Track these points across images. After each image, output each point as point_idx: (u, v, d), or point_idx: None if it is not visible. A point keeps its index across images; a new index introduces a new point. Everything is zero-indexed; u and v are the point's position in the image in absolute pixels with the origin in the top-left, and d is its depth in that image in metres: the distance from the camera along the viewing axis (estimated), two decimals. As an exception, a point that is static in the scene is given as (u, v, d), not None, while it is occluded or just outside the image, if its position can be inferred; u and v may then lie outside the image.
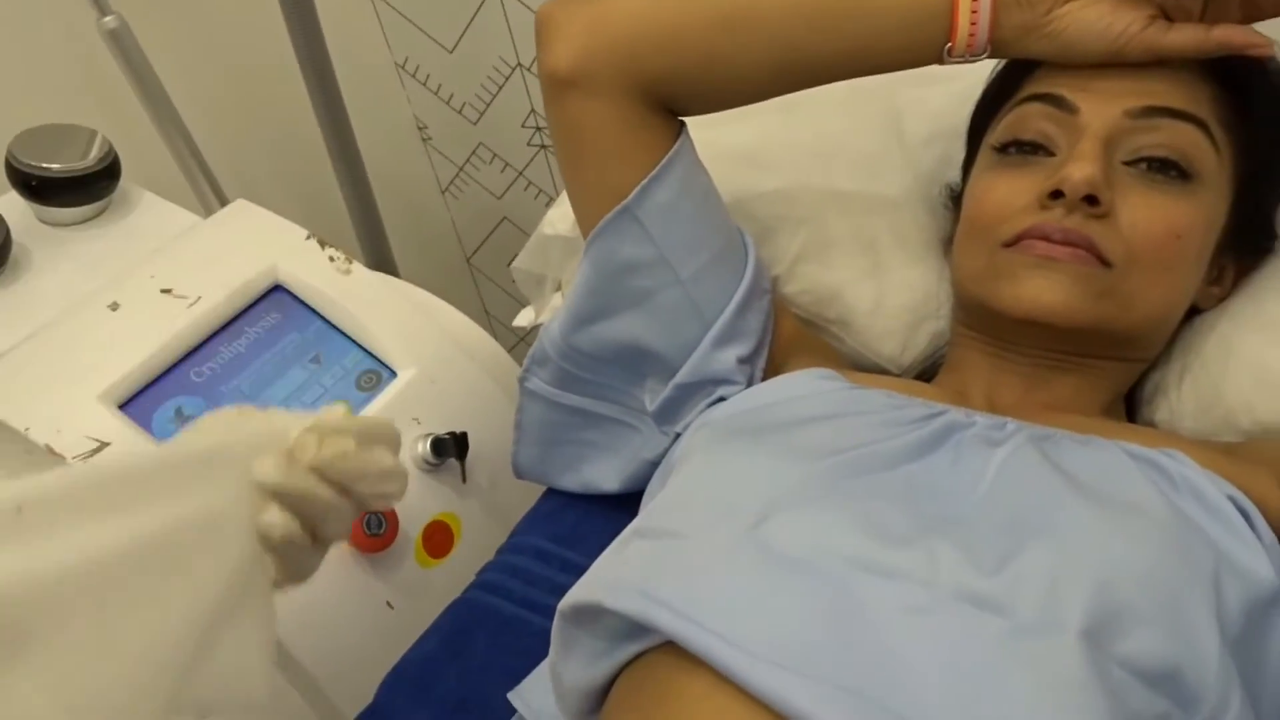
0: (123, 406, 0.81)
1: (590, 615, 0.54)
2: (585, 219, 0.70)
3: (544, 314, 0.94)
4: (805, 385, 0.64)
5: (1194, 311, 0.68)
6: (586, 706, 0.57)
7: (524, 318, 0.96)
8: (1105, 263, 0.60)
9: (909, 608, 0.46)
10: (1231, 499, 0.51)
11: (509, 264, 1.63)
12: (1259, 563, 0.48)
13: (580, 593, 0.55)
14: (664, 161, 0.66)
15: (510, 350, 1.05)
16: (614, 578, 0.53)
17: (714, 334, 0.68)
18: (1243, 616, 0.46)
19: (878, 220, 0.79)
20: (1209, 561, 0.47)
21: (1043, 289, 0.60)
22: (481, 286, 1.70)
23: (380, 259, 1.36)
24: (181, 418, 0.83)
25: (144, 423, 0.81)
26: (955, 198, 0.77)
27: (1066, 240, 0.59)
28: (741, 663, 0.44)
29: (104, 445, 0.78)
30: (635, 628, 0.50)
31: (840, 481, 0.53)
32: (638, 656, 0.52)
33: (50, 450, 0.77)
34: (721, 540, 0.51)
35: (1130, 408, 0.70)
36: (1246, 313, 0.65)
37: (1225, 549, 0.48)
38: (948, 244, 0.77)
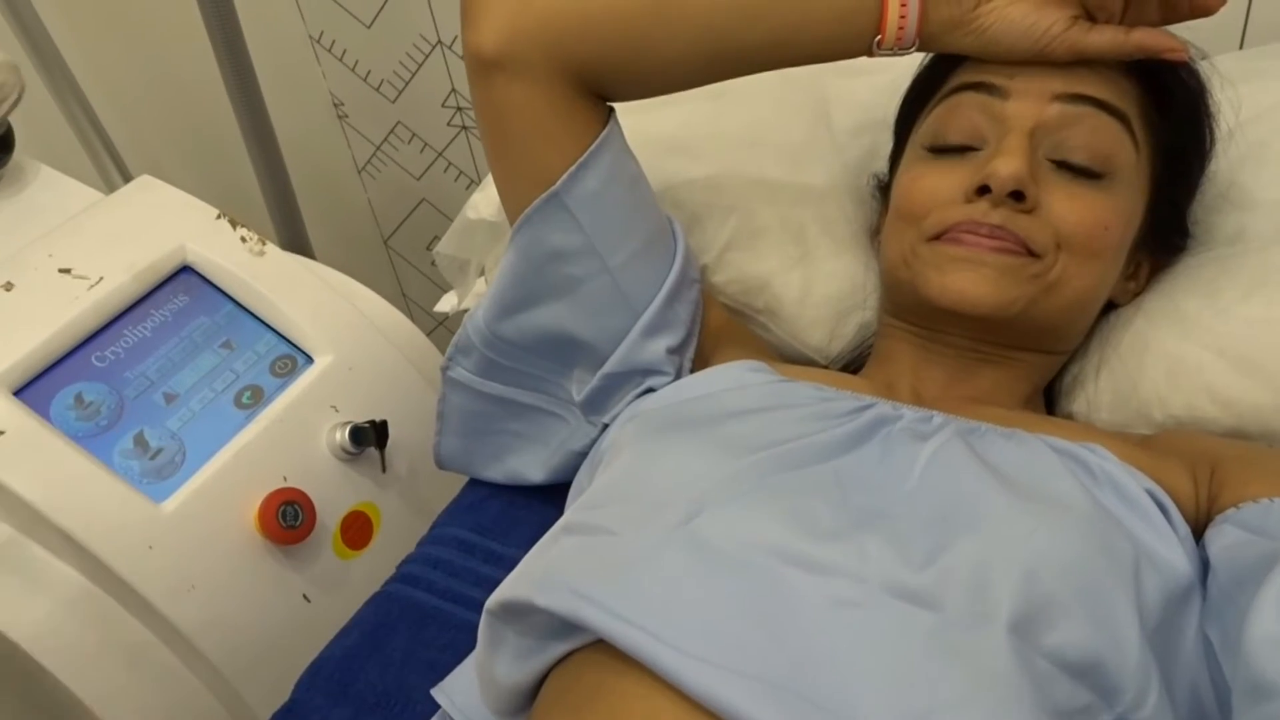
0: (18, 393, 0.77)
1: (519, 613, 0.53)
2: (511, 205, 0.68)
3: (467, 300, 0.92)
4: (734, 378, 0.64)
5: (1110, 307, 0.69)
6: (515, 705, 0.56)
7: (446, 303, 0.94)
8: (1033, 253, 0.60)
9: (839, 602, 0.46)
10: (1149, 493, 0.52)
11: (428, 247, 1.60)
12: (1175, 555, 0.49)
13: (509, 590, 0.53)
14: (593, 147, 0.65)
15: (429, 335, 1.03)
16: (543, 575, 0.52)
17: (643, 324, 0.68)
18: (1160, 608, 0.47)
19: (805, 210, 0.79)
20: (1129, 554, 0.48)
21: (970, 282, 0.60)
22: (399, 269, 1.66)
23: (295, 240, 1.32)
24: (83, 404, 0.79)
25: (41, 410, 0.77)
26: (882, 188, 0.77)
27: (993, 235, 0.60)
28: (673, 661, 0.44)
29: (-2, 434, 0.74)
30: (565, 626, 0.50)
31: (770, 476, 0.52)
32: (568, 654, 0.51)
33: (-62, 440, 0.73)
34: (652, 537, 0.50)
35: (1049, 399, 0.71)
36: (1160, 308, 0.67)
37: (1144, 542, 0.49)
38: (874, 234, 0.78)
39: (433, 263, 1.63)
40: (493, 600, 0.55)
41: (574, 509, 0.57)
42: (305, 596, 0.82)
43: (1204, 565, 0.52)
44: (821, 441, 0.55)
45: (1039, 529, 0.47)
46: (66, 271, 0.83)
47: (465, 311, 0.93)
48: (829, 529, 0.49)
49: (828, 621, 0.45)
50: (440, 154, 1.44)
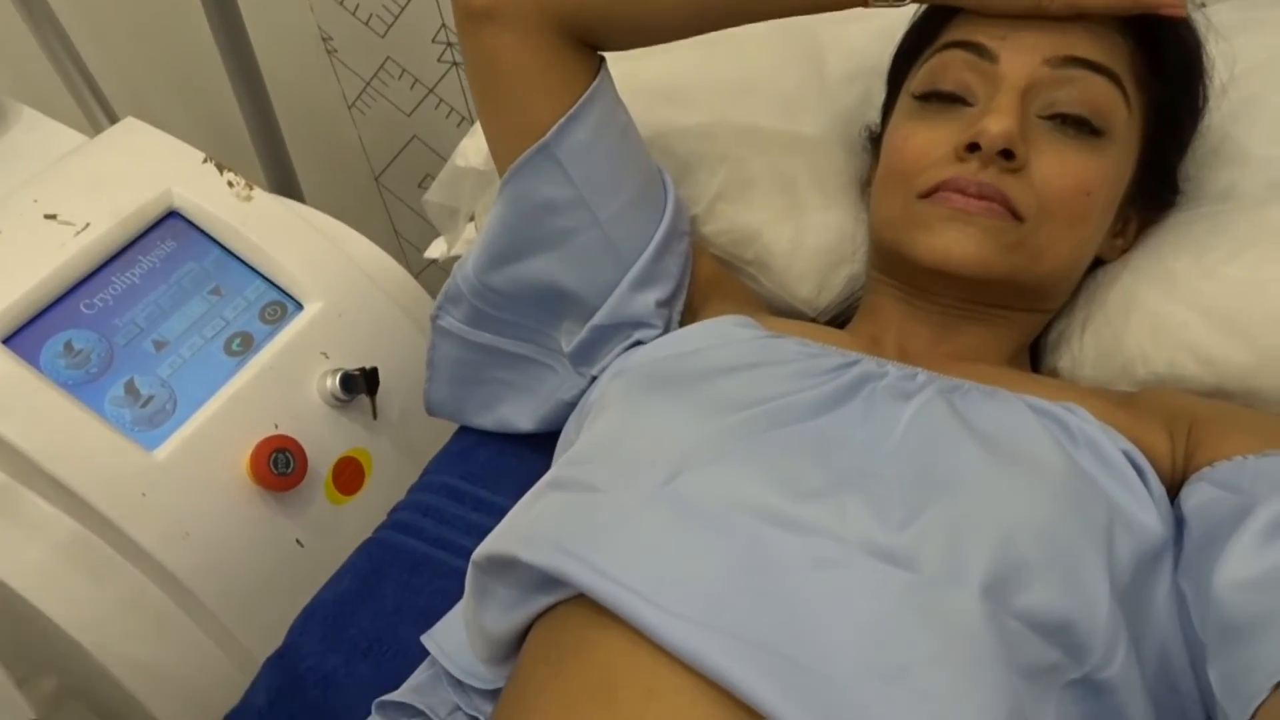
0: (7, 341, 0.77)
1: (504, 566, 0.54)
2: (501, 156, 0.68)
3: (457, 246, 0.91)
4: (720, 333, 0.64)
5: (1097, 263, 0.69)
6: (501, 654, 0.58)
7: (436, 249, 0.94)
8: (1017, 216, 0.60)
9: (818, 561, 0.47)
10: (1126, 454, 0.53)
11: (419, 184, 1.59)
12: (1149, 516, 0.50)
13: (494, 544, 0.54)
14: (583, 99, 0.64)
15: (419, 274, 1.02)
16: (528, 530, 0.53)
17: (632, 277, 0.68)
18: (1131, 568, 0.48)
19: (796, 160, 0.78)
20: (1103, 515, 0.49)
21: (955, 241, 0.60)
22: (391, 207, 1.65)
23: (283, 178, 1.30)
24: (72, 352, 0.79)
25: (31, 358, 0.77)
26: (874, 139, 0.77)
27: (981, 194, 0.60)
28: (653, 617, 0.45)
29: (-12, 382, 0.74)
30: (549, 580, 0.51)
31: (753, 435, 0.53)
32: (553, 606, 0.52)
33: (-72, 388, 0.73)
34: (636, 495, 0.51)
35: (1034, 355, 0.72)
36: (1147, 266, 0.67)
37: (1118, 502, 0.50)
38: (865, 186, 0.77)
39: (425, 200, 1.62)
40: (478, 553, 0.56)
41: (560, 464, 0.58)
42: (298, 541, 0.83)
43: (1178, 524, 0.53)
44: (805, 400, 0.56)
45: (1016, 493, 0.48)
46: (52, 217, 0.83)
47: (456, 258, 0.92)
48: (810, 489, 0.50)
49: (807, 580, 0.46)
50: (431, 90, 1.41)
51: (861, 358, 0.61)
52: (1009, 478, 0.49)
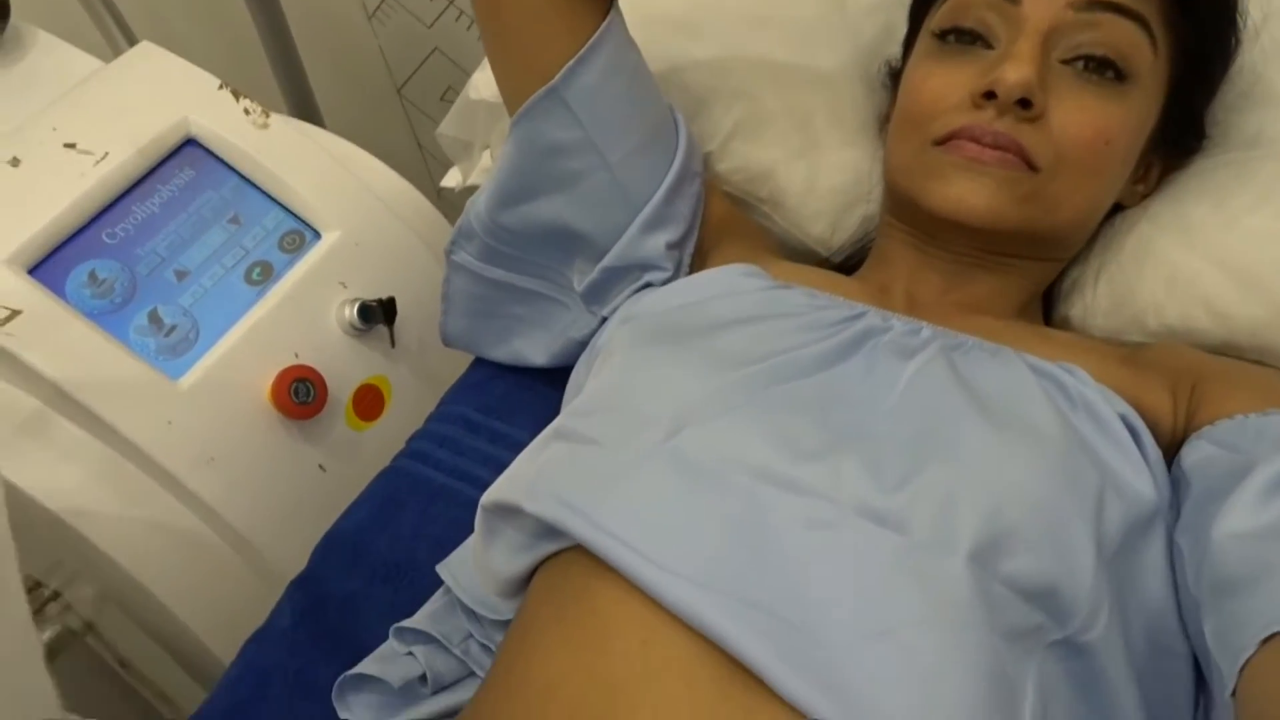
0: (32, 271, 0.78)
1: (511, 512, 0.55)
2: (510, 97, 0.67)
3: (472, 175, 0.91)
4: (728, 283, 0.64)
5: (1116, 208, 0.68)
6: (510, 590, 0.60)
7: (451, 179, 0.93)
8: (1033, 167, 0.60)
9: (812, 522, 0.48)
10: (1123, 417, 0.53)
11: (442, 97, 1.57)
12: (1142, 481, 0.51)
13: (501, 492, 0.56)
14: (593, 40, 0.63)
15: (441, 193, 1.01)
16: (533, 480, 0.54)
17: (642, 220, 0.68)
18: (1121, 535, 0.49)
19: (814, 96, 0.77)
20: (1094, 482, 0.49)
21: (968, 191, 0.60)
22: (414, 119, 1.64)
23: (301, 93, 1.29)
24: (96, 282, 0.81)
25: (56, 288, 0.79)
26: (894, 75, 0.75)
27: (996, 144, 0.59)
28: (650, 574, 0.47)
29: (15, 313, 0.76)
30: (553, 529, 0.52)
31: (755, 392, 0.54)
32: (557, 553, 0.54)
33: (-41, 319, 0.75)
34: (636, 450, 0.52)
35: (1047, 302, 0.71)
36: (1167, 215, 0.66)
37: (1111, 468, 0.51)
38: (883, 123, 0.76)
39: (443, 97, 1.60)
40: (486, 498, 0.58)
41: (566, 414, 0.59)
42: (321, 466, 0.86)
43: (1176, 483, 0.54)
44: (808, 355, 0.56)
45: (1008, 461, 0.49)
46: (71, 146, 0.83)
47: (472, 188, 0.92)
48: (808, 449, 0.51)
49: (800, 541, 0.47)
50: (451, 1, 1.39)
51: (867, 310, 0.61)
52: (1003, 444, 0.50)
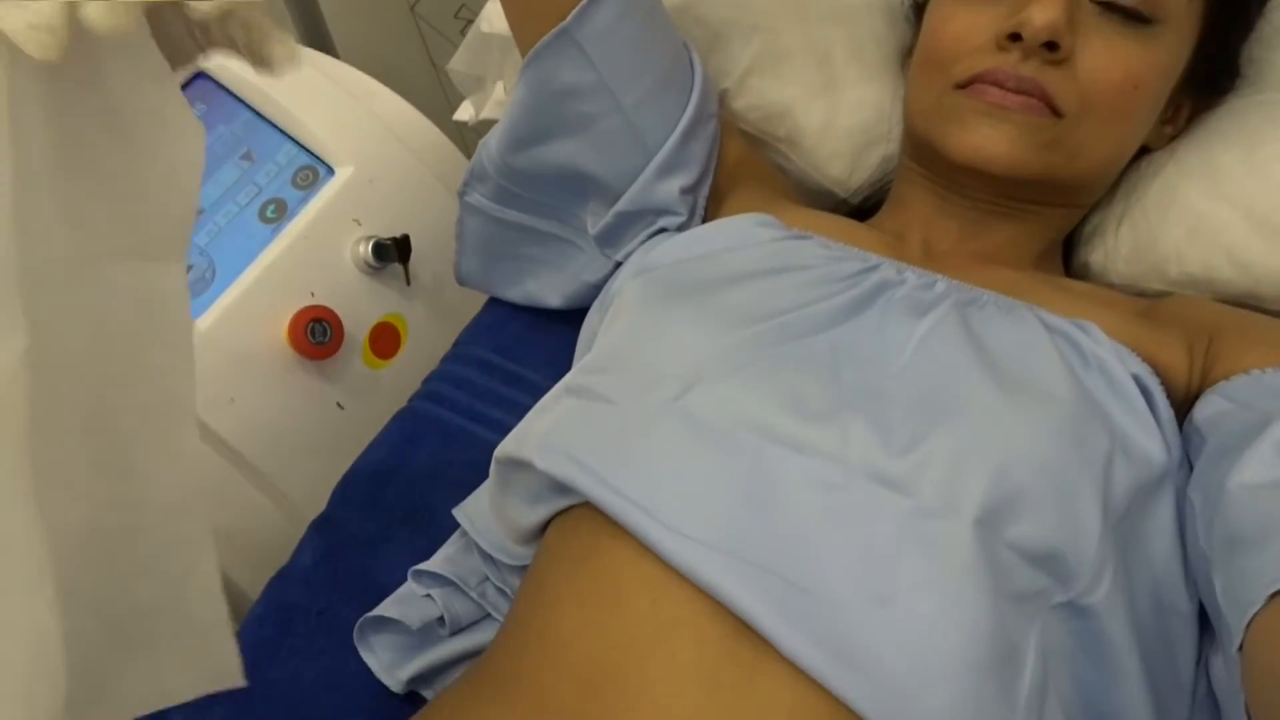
0: (48, 213, 0.78)
1: (524, 466, 0.56)
2: (522, 38, 0.66)
3: (486, 109, 0.90)
4: (741, 234, 0.63)
5: (1143, 150, 0.66)
6: (525, 538, 0.61)
7: (464, 113, 0.92)
8: (1057, 112, 0.58)
9: (820, 483, 0.48)
10: (1136, 377, 0.53)
11: (455, 14, 1.53)
12: (1152, 443, 0.50)
13: (514, 447, 0.57)
14: None
15: (457, 123, 0.99)
16: (544, 437, 0.55)
17: (656, 164, 0.66)
18: (1128, 498, 0.49)
19: (834, 29, 0.75)
20: (1103, 445, 0.49)
21: (989, 138, 0.58)
22: (428, 38, 1.60)
23: (310, 16, 1.26)
24: (112, 222, 0.81)
25: (73, 230, 0.79)
26: (917, 7, 0.72)
27: (1019, 89, 0.57)
28: (658, 534, 0.47)
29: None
30: (565, 485, 0.53)
31: (766, 349, 0.54)
32: (570, 506, 0.55)
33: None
34: (647, 409, 0.52)
35: (1069, 246, 0.70)
36: (1193, 160, 0.64)
37: (1122, 429, 0.50)
38: (906, 57, 0.74)
39: (462, 31, 1.56)
40: (500, 451, 0.58)
41: (578, 369, 0.59)
42: (339, 404, 0.87)
43: (1188, 441, 0.54)
44: (821, 310, 0.56)
45: (1017, 425, 0.49)
46: (81, 82, 0.82)
47: (485, 121, 0.91)
48: (817, 409, 0.51)
49: (808, 502, 0.48)
50: (463, -84, 1.35)
51: (882, 262, 0.60)
52: (1013, 408, 0.49)
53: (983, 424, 0.49)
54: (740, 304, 0.56)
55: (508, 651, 0.52)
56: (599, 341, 0.62)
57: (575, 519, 0.54)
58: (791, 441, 0.49)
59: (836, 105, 0.74)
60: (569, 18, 0.62)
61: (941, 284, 0.59)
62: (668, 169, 0.67)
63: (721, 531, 0.47)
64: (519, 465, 0.56)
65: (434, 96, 1.43)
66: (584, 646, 0.48)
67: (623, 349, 0.58)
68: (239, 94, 0.87)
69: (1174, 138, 0.66)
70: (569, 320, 0.78)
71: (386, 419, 0.83)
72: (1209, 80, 0.64)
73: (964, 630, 0.44)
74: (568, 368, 0.73)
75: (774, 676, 0.44)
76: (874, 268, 0.60)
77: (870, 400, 0.51)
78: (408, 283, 0.90)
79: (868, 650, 0.43)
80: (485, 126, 0.88)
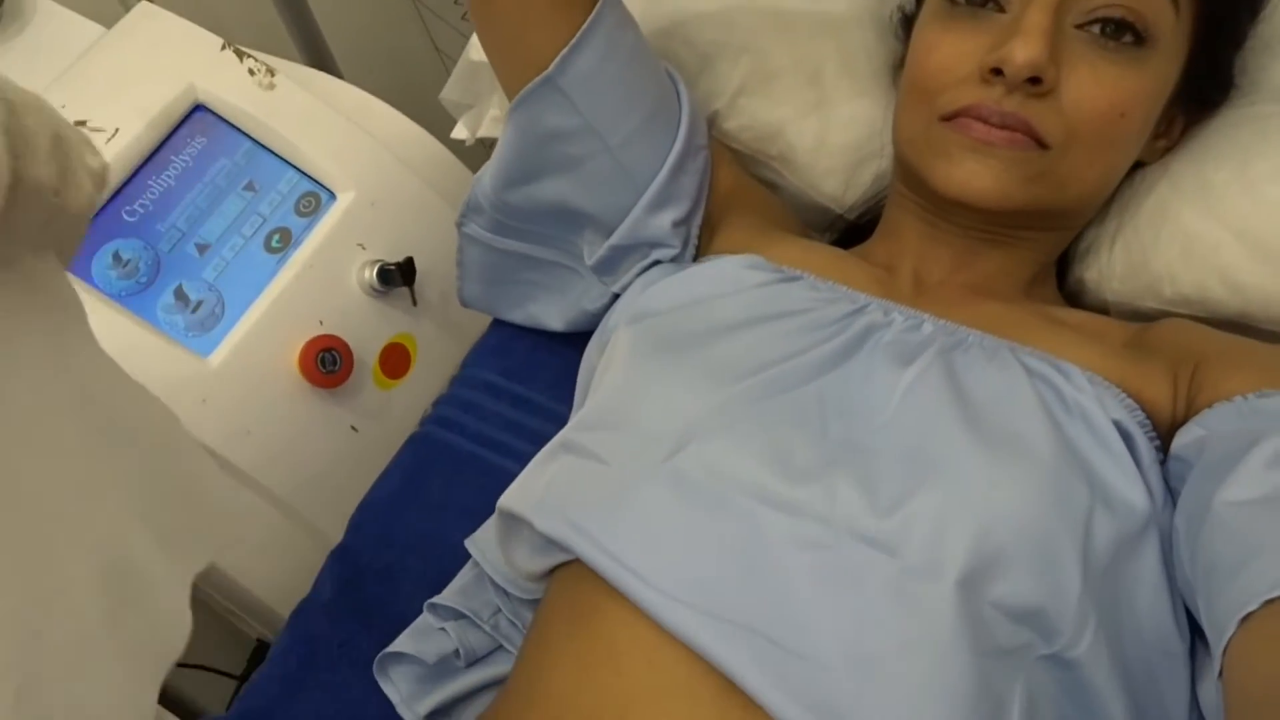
0: (59, 257, 0.80)
1: (524, 522, 0.58)
2: (506, 84, 0.66)
3: (482, 128, 0.90)
4: (730, 279, 0.63)
5: (1137, 164, 0.66)
6: (532, 578, 0.63)
7: (460, 132, 0.92)
8: (1042, 144, 0.58)
9: (807, 544, 0.49)
10: (1117, 423, 0.53)
11: (463, 16, 1.51)
12: (1135, 492, 0.51)
13: (514, 501, 0.58)
14: (587, 24, 0.61)
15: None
16: (542, 496, 0.56)
17: (646, 200, 0.67)
18: (1110, 552, 0.49)
19: (823, 44, 0.74)
20: (1084, 502, 0.50)
21: (975, 173, 0.58)
22: (430, 24, 1.59)
23: (310, 34, 1.25)
24: (121, 263, 0.82)
25: (82, 273, 0.81)
26: (906, 22, 0.72)
27: (1004, 124, 0.57)
28: (652, 599, 0.49)
29: (47, 303, 0.78)
30: (562, 546, 0.55)
31: (754, 405, 0.54)
32: (572, 559, 0.56)
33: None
34: (639, 470, 0.54)
35: (1063, 263, 0.70)
36: (1186, 177, 0.63)
37: (1104, 480, 0.51)
38: (897, 71, 0.73)
39: (464, 16, 1.55)
40: (502, 503, 0.60)
41: (574, 425, 0.60)
42: (353, 428, 0.89)
43: (1170, 472, 0.54)
44: (809, 360, 0.56)
45: (999, 484, 0.49)
46: (83, 124, 0.84)
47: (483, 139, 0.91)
48: (805, 466, 0.52)
49: (795, 563, 0.49)
50: (457, -97, 1.33)
51: (870, 302, 0.61)
52: (994, 465, 0.50)
53: (964, 482, 0.50)
54: (728, 357, 0.57)
55: (515, 708, 0.55)
56: (593, 394, 0.63)
57: (576, 574, 0.56)
58: (779, 502, 0.50)
59: (828, 122, 0.74)
60: (552, 65, 0.62)
61: (929, 325, 0.59)
62: (658, 204, 0.67)
63: (710, 594, 0.49)
64: (521, 520, 0.58)
65: (438, 81, 1.42)
66: (586, 704, 0.50)
67: (615, 406, 0.59)
68: (238, 125, 0.88)
69: (1169, 149, 0.66)
70: (573, 342, 0.79)
71: (401, 437, 0.85)
72: (1202, 94, 0.64)
73: (949, 691, 0.45)
74: (572, 389, 0.74)
75: (763, 736, 0.46)
76: (862, 309, 0.60)
77: (856, 455, 0.52)
78: (414, 303, 0.91)
79: (854, 713, 0.45)
80: (490, 140, 0.88)
